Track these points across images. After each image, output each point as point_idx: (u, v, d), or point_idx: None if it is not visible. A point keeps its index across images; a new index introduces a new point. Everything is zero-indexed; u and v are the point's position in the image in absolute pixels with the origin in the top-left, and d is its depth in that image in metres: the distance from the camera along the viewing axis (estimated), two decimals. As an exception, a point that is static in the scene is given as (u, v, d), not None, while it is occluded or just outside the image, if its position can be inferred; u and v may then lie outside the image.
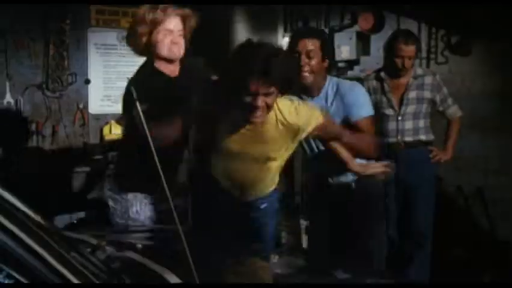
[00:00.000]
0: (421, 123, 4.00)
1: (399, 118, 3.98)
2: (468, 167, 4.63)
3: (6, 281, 1.42)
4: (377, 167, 2.97)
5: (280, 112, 2.55)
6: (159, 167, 1.60)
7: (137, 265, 2.00)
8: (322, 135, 2.79)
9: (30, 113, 5.56)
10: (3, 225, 1.30)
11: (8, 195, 1.62)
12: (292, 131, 2.60)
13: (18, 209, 1.59)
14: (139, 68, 3.03)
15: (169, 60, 2.95)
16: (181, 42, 2.94)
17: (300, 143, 2.96)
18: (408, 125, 3.98)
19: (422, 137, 4.02)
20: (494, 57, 4.50)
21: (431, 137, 4.06)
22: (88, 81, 5.83)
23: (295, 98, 2.68)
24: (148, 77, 2.91)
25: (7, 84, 5.41)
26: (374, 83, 4.06)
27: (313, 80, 3.01)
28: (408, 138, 3.99)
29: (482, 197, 4.61)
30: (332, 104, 3.04)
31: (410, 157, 3.96)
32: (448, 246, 4.47)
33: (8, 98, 5.42)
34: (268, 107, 2.41)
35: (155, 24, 2.87)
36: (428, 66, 4.74)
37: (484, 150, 4.57)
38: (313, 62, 2.98)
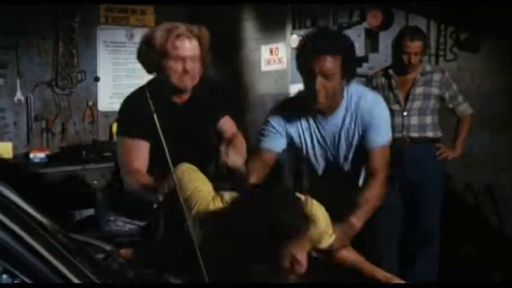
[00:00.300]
0: (428, 119, 3.99)
1: (405, 114, 3.99)
2: (477, 165, 4.60)
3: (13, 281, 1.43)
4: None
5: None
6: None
7: (148, 274, 2.00)
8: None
9: (40, 110, 5.60)
10: (6, 225, 1.31)
11: (11, 195, 1.63)
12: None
13: (22, 210, 1.60)
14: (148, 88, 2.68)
15: (179, 90, 2.65)
16: (196, 69, 2.59)
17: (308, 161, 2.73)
18: (414, 120, 3.98)
19: (429, 134, 4.00)
20: (503, 54, 4.46)
21: (439, 134, 4.05)
22: (97, 79, 5.86)
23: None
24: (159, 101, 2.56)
25: (18, 81, 5.45)
26: (382, 80, 4.11)
27: (330, 102, 2.51)
28: (414, 134, 3.99)
29: (492, 194, 4.58)
30: (349, 123, 2.59)
31: (415, 153, 3.96)
32: (457, 244, 4.45)
33: (19, 96, 5.47)
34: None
35: (166, 51, 2.53)
36: (436, 63, 4.71)
37: (494, 147, 4.54)
38: (331, 86, 2.41)
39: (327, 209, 2.11)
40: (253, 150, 2.67)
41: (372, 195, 2.49)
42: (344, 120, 2.58)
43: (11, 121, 5.51)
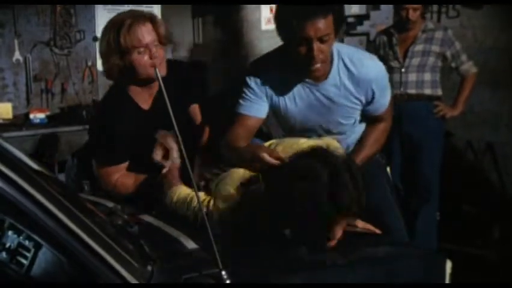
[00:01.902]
0: (427, 76, 3.99)
1: (403, 70, 3.99)
2: (478, 122, 4.61)
3: (26, 243, 1.44)
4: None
5: None
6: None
7: (154, 229, 2.02)
8: None
9: (39, 71, 5.56)
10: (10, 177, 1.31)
11: (20, 154, 1.64)
12: None
13: (30, 167, 1.61)
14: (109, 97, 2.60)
15: (148, 81, 2.48)
16: (162, 54, 2.44)
17: None
18: (412, 77, 3.98)
19: (427, 91, 4.00)
20: (506, 10, 4.41)
21: (439, 92, 4.04)
22: (96, 39, 5.79)
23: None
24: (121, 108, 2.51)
25: (15, 41, 5.40)
26: (384, 38, 4.15)
27: (325, 67, 2.35)
28: (411, 91, 4.00)
29: (492, 152, 4.59)
30: (345, 88, 2.41)
31: (413, 110, 3.98)
32: (457, 201, 4.48)
33: (17, 56, 5.42)
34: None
35: (125, 47, 2.37)
36: (439, 20, 4.66)
37: (495, 105, 4.53)
38: (326, 48, 2.25)
39: None
40: (235, 115, 2.48)
41: (374, 139, 2.54)
42: (338, 86, 2.40)
43: (10, 82, 5.48)
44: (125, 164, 2.53)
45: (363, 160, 2.44)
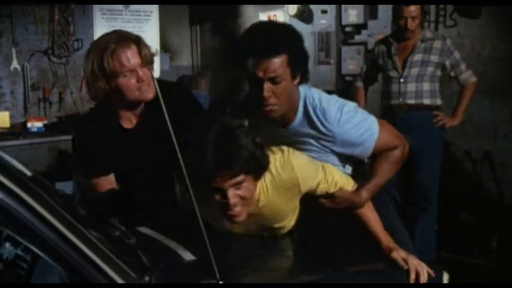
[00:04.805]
0: (425, 86, 3.98)
1: (402, 80, 3.99)
2: (477, 132, 4.61)
3: (24, 254, 1.43)
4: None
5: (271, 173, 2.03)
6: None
7: (152, 241, 2.01)
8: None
9: (36, 79, 5.56)
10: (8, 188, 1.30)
11: (17, 163, 1.63)
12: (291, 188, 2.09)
13: (29, 178, 1.60)
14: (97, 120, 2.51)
15: (136, 104, 2.41)
16: (148, 74, 2.33)
17: None
18: (411, 87, 3.97)
19: (426, 101, 3.99)
20: (504, 19, 4.43)
21: (438, 101, 4.03)
22: (94, 47, 5.80)
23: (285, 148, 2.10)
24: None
25: (13, 50, 5.41)
26: (383, 48, 4.12)
27: (284, 110, 2.16)
28: (410, 101, 3.98)
29: (490, 161, 4.60)
30: (312, 137, 2.22)
31: (412, 120, 3.96)
32: (455, 210, 4.48)
33: (15, 64, 5.42)
34: (246, 199, 1.93)
35: (111, 72, 2.30)
36: (436, 29, 4.68)
37: (494, 114, 4.54)
38: (280, 89, 2.07)
39: None
40: None
41: (384, 169, 2.32)
42: (306, 132, 2.20)
43: (7, 90, 5.48)
44: (112, 176, 2.47)
45: (372, 190, 2.28)
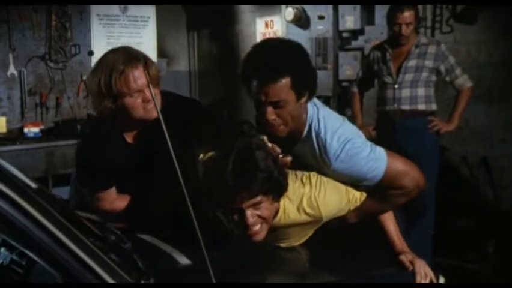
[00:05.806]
0: (420, 91, 3.98)
1: (396, 86, 4.00)
2: (473, 137, 4.62)
3: (20, 259, 1.42)
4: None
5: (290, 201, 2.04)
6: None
7: (148, 245, 2.01)
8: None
9: (33, 85, 5.56)
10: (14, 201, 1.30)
11: (16, 171, 1.63)
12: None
13: (26, 184, 1.60)
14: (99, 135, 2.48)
15: (141, 121, 2.39)
16: (156, 93, 2.29)
17: None
18: (405, 93, 3.98)
19: (421, 106, 3.99)
20: (499, 25, 4.44)
21: (433, 107, 4.03)
22: (91, 53, 5.81)
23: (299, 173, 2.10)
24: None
25: (10, 55, 5.40)
26: (378, 53, 4.14)
27: (290, 129, 2.11)
28: (405, 107, 3.99)
29: (487, 166, 4.60)
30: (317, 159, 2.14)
31: (407, 126, 3.97)
32: (452, 215, 4.48)
33: (12, 70, 5.42)
34: (265, 218, 1.94)
35: (117, 92, 2.30)
36: (432, 35, 4.69)
37: (490, 119, 4.55)
38: (284, 112, 2.03)
39: None
40: None
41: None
42: (313, 146, 2.13)
43: (4, 95, 5.47)
44: (114, 189, 2.46)
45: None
